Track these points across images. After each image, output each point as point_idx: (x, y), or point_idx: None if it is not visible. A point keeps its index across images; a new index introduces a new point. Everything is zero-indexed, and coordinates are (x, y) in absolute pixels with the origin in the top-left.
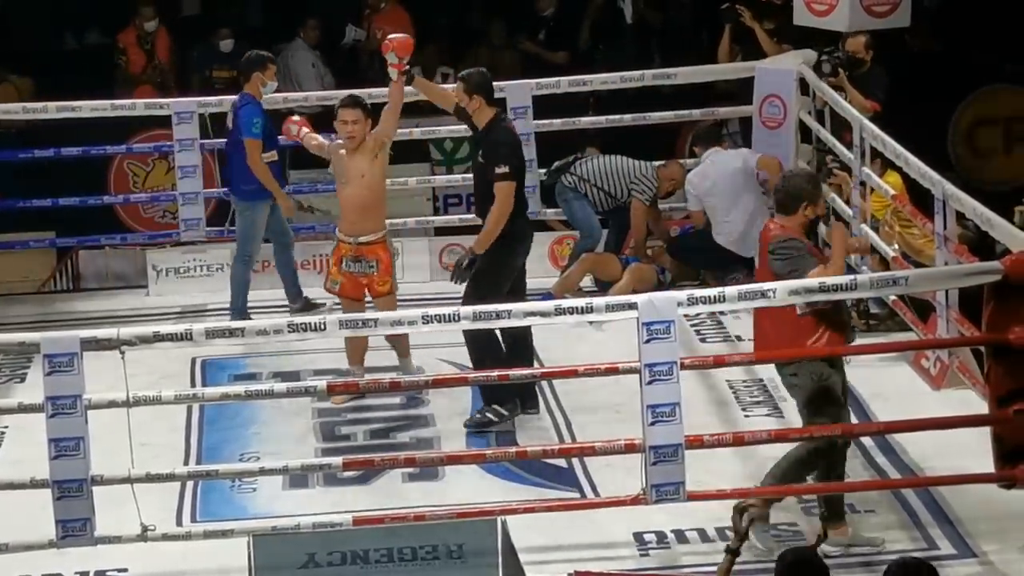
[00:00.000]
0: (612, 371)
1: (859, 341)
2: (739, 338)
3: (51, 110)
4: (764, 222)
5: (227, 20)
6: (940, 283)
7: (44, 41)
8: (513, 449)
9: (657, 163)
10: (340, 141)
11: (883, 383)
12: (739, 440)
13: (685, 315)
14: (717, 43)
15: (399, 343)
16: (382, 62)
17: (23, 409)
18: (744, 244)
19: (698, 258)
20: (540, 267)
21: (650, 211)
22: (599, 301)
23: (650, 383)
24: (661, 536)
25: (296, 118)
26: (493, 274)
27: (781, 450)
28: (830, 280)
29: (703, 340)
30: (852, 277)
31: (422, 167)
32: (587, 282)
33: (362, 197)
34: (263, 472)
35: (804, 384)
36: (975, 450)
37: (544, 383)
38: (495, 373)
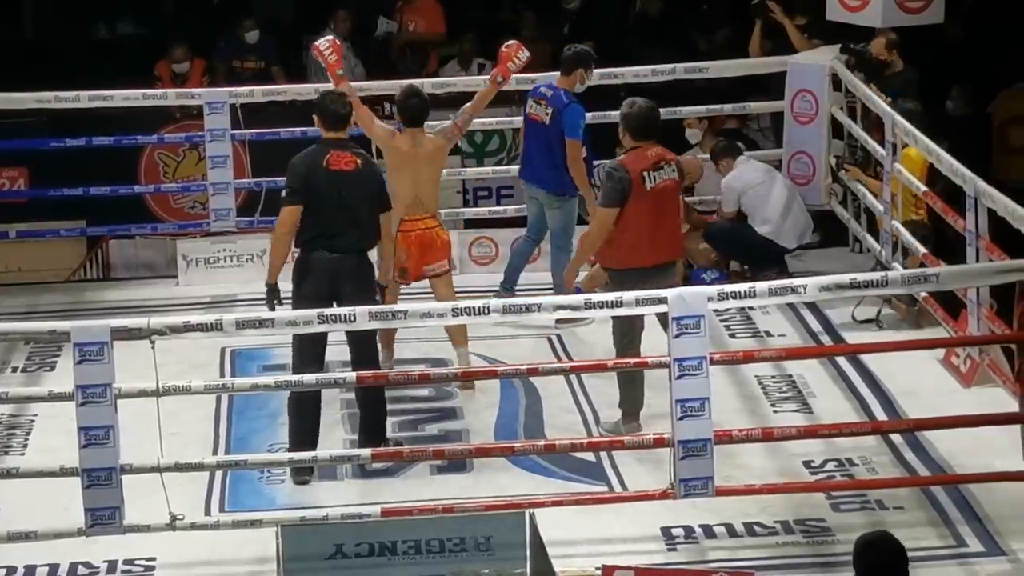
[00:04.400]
0: (641, 365)
1: (889, 338)
2: (768, 334)
3: (83, 99)
4: (798, 214)
5: (259, 10)
6: (972, 280)
7: (76, 31)
8: (542, 442)
9: None
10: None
11: (913, 380)
12: (768, 436)
13: (715, 310)
14: (748, 37)
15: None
16: (413, 54)
17: (53, 397)
18: (782, 233)
19: (736, 250)
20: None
21: None
22: (628, 295)
23: (679, 378)
24: (689, 531)
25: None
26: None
27: (810, 446)
28: (861, 277)
29: (732, 335)
30: (884, 274)
31: (452, 159)
32: None
33: None
34: (292, 463)
35: None
36: (1005, 448)
37: (573, 377)
38: (517, 366)
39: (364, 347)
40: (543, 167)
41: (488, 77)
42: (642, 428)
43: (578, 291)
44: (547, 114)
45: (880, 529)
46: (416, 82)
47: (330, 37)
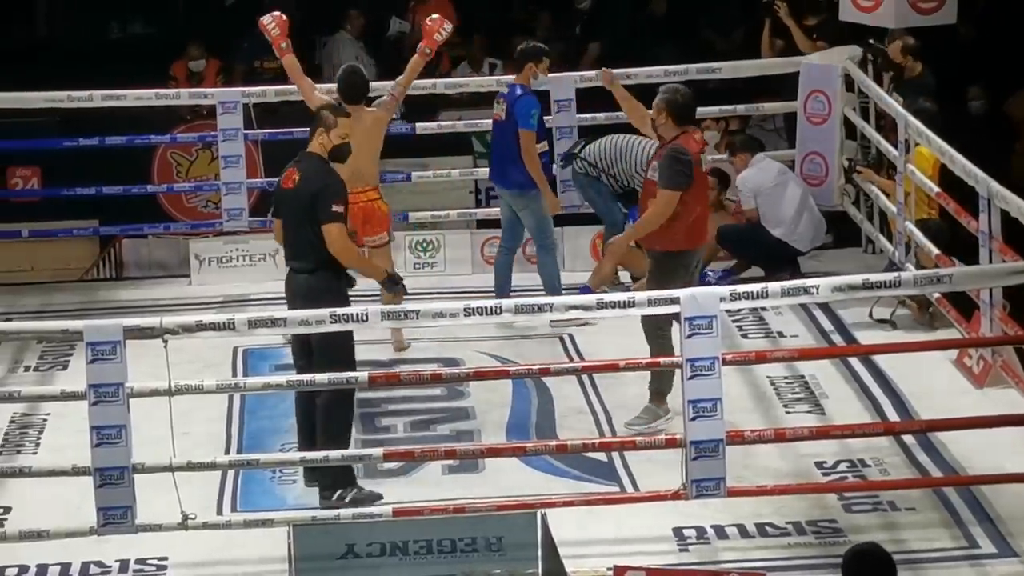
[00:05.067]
0: (654, 365)
1: (902, 338)
2: (781, 334)
3: (96, 99)
4: (811, 216)
5: (272, 9)
6: (985, 281)
7: (88, 30)
8: (553, 442)
9: None
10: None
11: (926, 381)
12: (780, 436)
13: (727, 311)
14: (758, 37)
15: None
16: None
17: (65, 396)
18: (795, 236)
19: (749, 252)
20: (581, 261)
21: None
22: (641, 295)
23: (691, 378)
24: (701, 531)
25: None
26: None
27: (822, 447)
28: (874, 278)
29: (744, 336)
30: (896, 274)
31: (464, 159)
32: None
33: None
34: (303, 462)
35: None
36: (1017, 449)
37: (585, 377)
38: (537, 366)
39: (321, 352)
40: (503, 165)
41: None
42: (670, 411)
43: (586, 290)
44: (503, 110)
45: (869, 540)
46: (429, 82)
47: (276, 13)
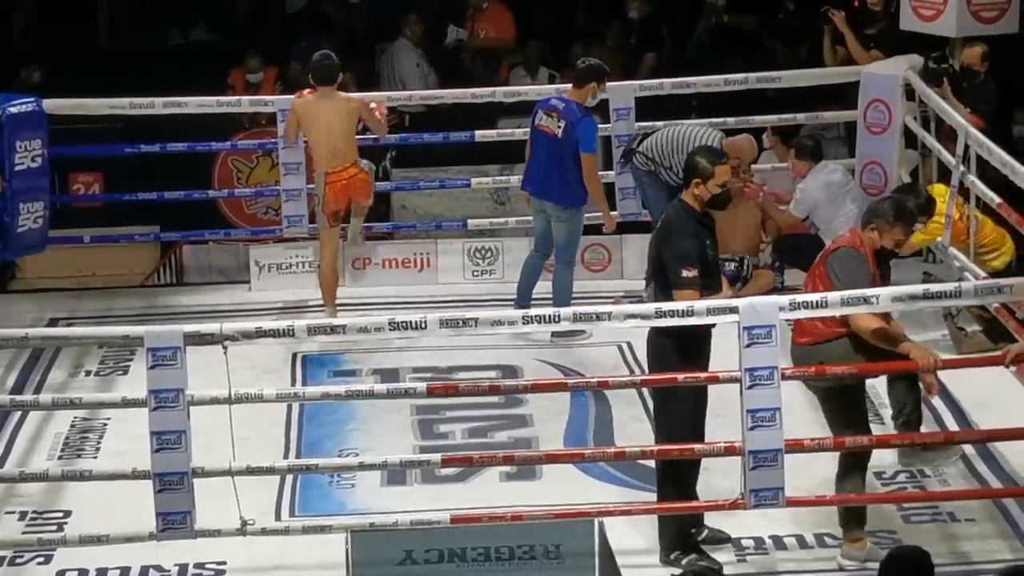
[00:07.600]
0: (712, 380)
1: None
2: None
3: (157, 106)
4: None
5: (331, 18)
6: None
7: (150, 37)
8: (611, 450)
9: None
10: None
11: (985, 391)
12: (839, 446)
13: (786, 320)
14: (820, 46)
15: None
16: (485, 62)
17: (126, 403)
18: None
19: (806, 262)
20: (639, 269)
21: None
22: (700, 305)
23: (750, 388)
24: (759, 541)
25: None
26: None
27: (881, 456)
28: (935, 288)
29: None
30: (957, 284)
31: (523, 167)
32: None
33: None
34: (362, 467)
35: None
36: None
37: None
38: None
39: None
40: (553, 181)
41: None
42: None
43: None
44: (559, 127)
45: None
46: (488, 90)
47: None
